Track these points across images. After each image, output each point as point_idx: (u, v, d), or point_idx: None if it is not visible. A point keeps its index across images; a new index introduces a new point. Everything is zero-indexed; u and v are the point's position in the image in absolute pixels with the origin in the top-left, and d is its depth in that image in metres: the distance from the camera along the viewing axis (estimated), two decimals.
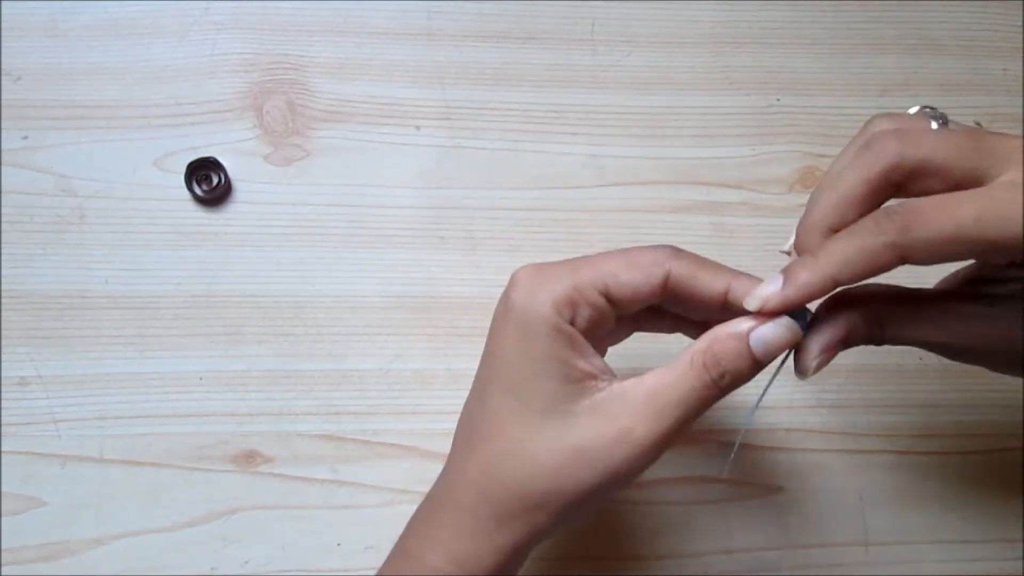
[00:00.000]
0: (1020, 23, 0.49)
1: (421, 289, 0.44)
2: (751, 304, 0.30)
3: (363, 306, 0.43)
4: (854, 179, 0.30)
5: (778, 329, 0.31)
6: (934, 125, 0.31)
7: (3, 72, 0.44)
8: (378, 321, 0.43)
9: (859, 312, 0.31)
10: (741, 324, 0.31)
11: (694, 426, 0.43)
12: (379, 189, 0.44)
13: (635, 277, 0.31)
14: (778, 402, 0.44)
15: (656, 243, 0.33)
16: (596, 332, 0.32)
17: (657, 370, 0.31)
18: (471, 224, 0.45)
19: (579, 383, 0.31)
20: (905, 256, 0.28)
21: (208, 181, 0.43)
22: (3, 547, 0.40)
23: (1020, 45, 0.49)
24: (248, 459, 0.42)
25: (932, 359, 0.45)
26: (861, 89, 0.48)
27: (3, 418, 0.41)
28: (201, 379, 0.42)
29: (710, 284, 0.31)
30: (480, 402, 0.32)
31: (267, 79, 0.45)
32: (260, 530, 0.41)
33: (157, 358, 0.42)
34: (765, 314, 0.30)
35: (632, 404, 0.30)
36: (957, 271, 0.34)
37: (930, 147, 0.29)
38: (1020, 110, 0.48)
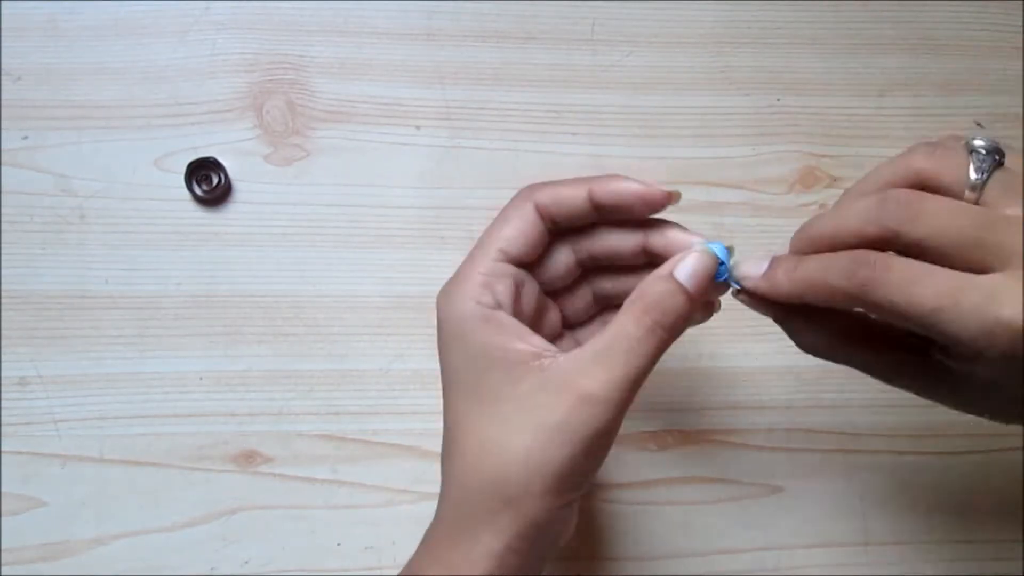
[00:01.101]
0: (1020, 23, 0.49)
1: (421, 289, 0.44)
2: (735, 272, 0.32)
3: (363, 306, 0.43)
4: (854, 227, 0.30)
5: (697, 257, 0.32)
6: (973, 172, 0.30)
7: (3, 72, 0.44)
8: (378, 321, 0.43)
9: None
10: (664, 267, 0.32)
11: (694, 426, 0.44)
12: (379, 189, 0.44)
13: (515, 226, 0.33)
14: (778, 402, 0.44)
15: None
16: (527, 301, 0.33)
17: (599, 334, 0.31)
18: (471, 224, 0.45)
19: (523, 365, 0.31)
20: (863, 307, 0.30)
21: (208, 181, 0.43)
22: (3, 547, 0.40)
23: (1020, 45, 0.49)
24: (248, 459, 0.42)
25: None
26: (861, 89, 0.48)
27: (3, 418, 0.41)
28: (201, 379, 0.42)
29: (572, 192, 0.33)
30: (445, 413, 0.33)
31: (267, 79, 0.45)
32: (260, 530, 0.41)
33: (157, 358, 0.42)
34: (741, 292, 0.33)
35: (581, 367, 0.30)
36: None
37: (932, 228, 0.29)
38: (1020, 110, 0.48)
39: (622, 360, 0.30)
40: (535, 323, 0.34)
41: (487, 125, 0.46)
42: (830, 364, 0.45)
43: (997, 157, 0.30)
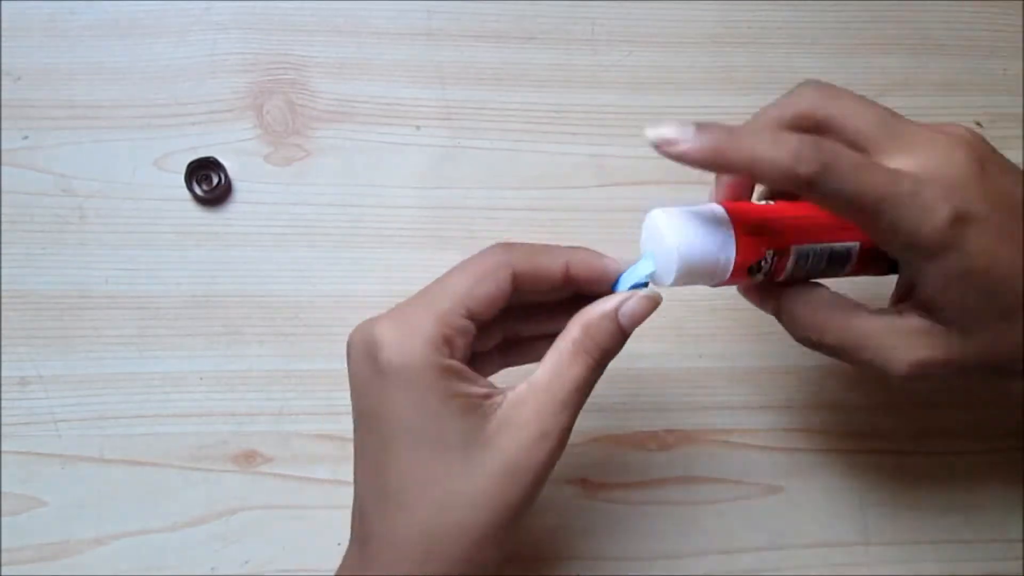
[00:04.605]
0: (1020, 23, 0.49)
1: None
2: (650, 134, 0.30)
3: (363, 306, 0.43)
4: (771, 115, 0.33)
5: (643, 302, 0.32)
6: None
7: (3, 72, 0.44)
8: None
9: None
10: (607, 304, 0.32)
11: (694, 426, 0.44)
12: (379, 189, 0.44)
13: (489, 287, 0.32)
14: (778, 402, 0.44)
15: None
16: (468, 354, 0.32)
17: (542, 369, 0.32)
18: (471, 224, 0.45)
19: (480, 408, 0.31)
20: (811, 192, 0.30)
21: (208, 181, 0.43)
22: (3, 547, 0.40)
23: (1020, 45, 0.49)
24: (248, 459, 0.42)
25: None
26: (861, 89, 0.47)
27: (3, 418, 0.41)
28: (201, 379, 0.42)
29: (550, 265, 0.33)
30: (385, 465, 0.31)
31: (267, 79, 0.45)
32: (260, 530, 0.41)
33: (157, 358, 0.42)
34: (664, 153, 0.30)
35: (536, 407, 0.31)
36: None
37: (843, 105, 0.32)
38: (1020, 110, 0.48)
39: (571, 398, 0.31)
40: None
41: (487, 125, 0.46)
42: (830, 364, 0.45)
43: None
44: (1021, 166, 0.33)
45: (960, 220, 0.29)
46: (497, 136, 0.45)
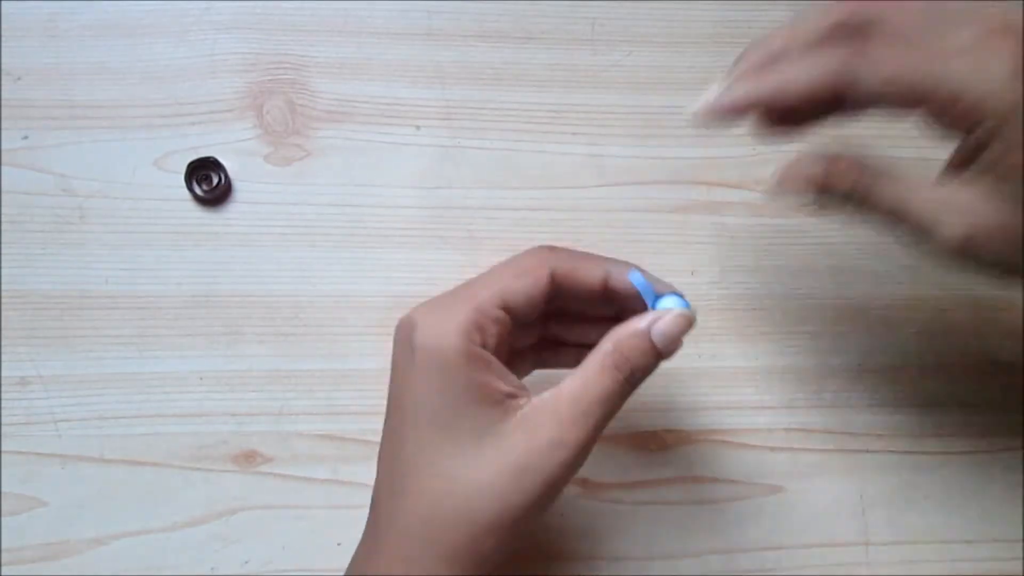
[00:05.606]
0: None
1: (421, 289, 0.44)
2: (694, 109, 0.32)
3: (363, 306, 0.43)
4: (806, 30, 0.32)
5: (676, 320, 0.33)
6: None
7: (3, 72, 0.44)
8: (378, 321, 0.43)
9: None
10: (640, 322, 0.33)
11: (694, 426, 0.44)
12: (379, 189, 0.44)
13: (526, 282, 0.33)
14: (778, 402, 0.44)
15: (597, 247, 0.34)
16: (503, 350, 0.33)
17: (570, 379, 0.32)
18: (471, 224, 0.45)
19: (502, 404, 0.31)
20: (851, 80, 0.30)
21: (208, 181, 0.43)
22: (3, 547, 0.40)
23: None
24: (248, 459, 0.42)
25: (931, 359, 0.45)
26: None
27: (3, 418, 0.41)
28: (201, 379, 0.42)
29: (590, 272, 0.33)
30: (400, 446, 0.32)
31: (267, 79, 0.45)
32: (260, 530, 0.41)
33: (157, 358, 0.42)
34: (708, 116, 0.32)
35: (557, 413, 0.31)
36: None
37: (881, 7, 0.30)
38: None
39: (593, 410, 0.32)
40: (514, 369, 0.34)
41: (487, 125, 0.46)
42: (830, 363, 0.45)
43: None
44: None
45: None
46: (497, 136, 0.45)
